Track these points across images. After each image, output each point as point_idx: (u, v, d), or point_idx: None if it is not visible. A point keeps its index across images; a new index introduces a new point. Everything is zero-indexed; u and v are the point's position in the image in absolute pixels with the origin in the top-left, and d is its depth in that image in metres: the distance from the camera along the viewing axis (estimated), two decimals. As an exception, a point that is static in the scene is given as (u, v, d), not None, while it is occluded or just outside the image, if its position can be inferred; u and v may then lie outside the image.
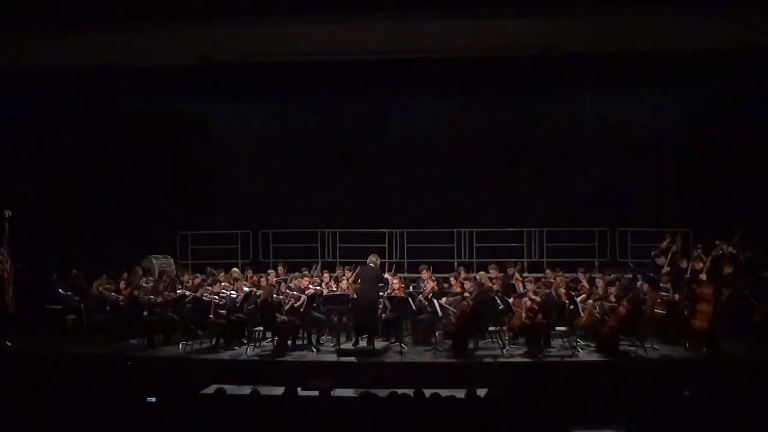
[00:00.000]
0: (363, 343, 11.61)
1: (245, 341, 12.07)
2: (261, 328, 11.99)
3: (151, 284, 12.79)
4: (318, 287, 12.51)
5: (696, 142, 15.17)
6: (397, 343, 11.68)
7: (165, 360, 11.36)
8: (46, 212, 14.12)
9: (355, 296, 11.75)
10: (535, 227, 15.58)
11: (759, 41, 11.76)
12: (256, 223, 16.17)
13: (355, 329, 11.89)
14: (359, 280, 11.88)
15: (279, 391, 7.92)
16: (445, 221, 15.83)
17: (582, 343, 11.65)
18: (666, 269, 12.09)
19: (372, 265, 11.94)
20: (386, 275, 12.68)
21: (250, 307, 12.09)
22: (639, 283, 12.11)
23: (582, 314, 11.53)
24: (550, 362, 10.95)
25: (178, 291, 12.47)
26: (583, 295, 11.98)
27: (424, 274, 12.63)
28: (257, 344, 11.96)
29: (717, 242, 11.71)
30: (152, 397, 7.39)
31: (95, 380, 9.28)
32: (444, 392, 7.40)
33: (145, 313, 12.19)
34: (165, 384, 8.61)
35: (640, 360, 10.92)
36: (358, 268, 12.30)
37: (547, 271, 13.23)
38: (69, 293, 12.79)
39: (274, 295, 11.95)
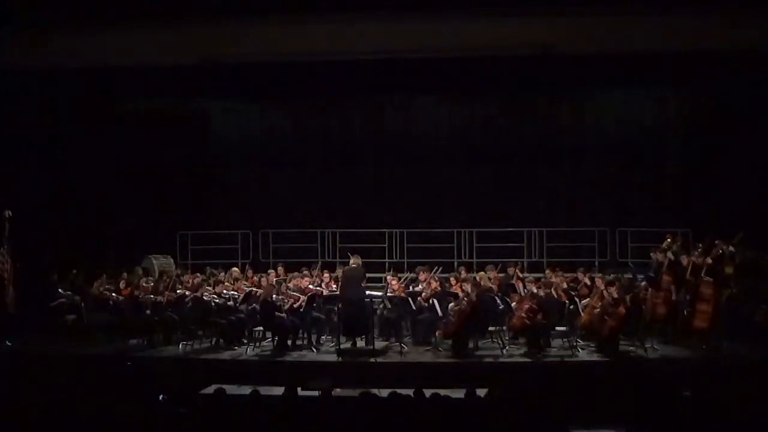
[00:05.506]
0: (362, 343, 11.60)
1: (245, 341, 12.07)
2: (261, 328, 12.00)
3: (151, 284, 12.79)
4: (318, 287, 12.51)
5: (696, 142, 15.17)
6: (397, 343, 11.68)
7: (165, 360, 11.37)
8: (46, 212, 14.11)
9: (342, 298, 11.66)
10: (535, 227, 15.59)
11: (758, 41, 11.76)
12: (256, 223, 16.17)
13: (345, 331, 11.72)
14: (344, 282, 11.79)
15: (279, 391, 7.91)
16: (445, 221, 15.83)
17: (582, 343, 11.65)
18: (666, 269, 12.07)
19: (355, 265, 11.87)
20: (386, 275, 12.68)
21: (250, 307, 12.10)
22: (639, 283, 12.10)
23: (582, 314, 11.54)
24: (550, 362, 10.96)
25: (178, 291, 12.47)
26: (584, 297, 11.97)
27: (422, 276, 12.47)
28: (257, 344, 11.97)
29: (717, 242, 11.70)
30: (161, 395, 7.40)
31: (95, 380, 9.26)
32: (444, 392, 7.39)
33: (147, 312, 12.18)
34: (165, 384, 8.59)
35: (640, 360, 10.93)
36: (341, 270, 12.26)
37: (547, 271, 13.20)
38: (69, 293, 12.78)
39: (274, 295, 11.95)
